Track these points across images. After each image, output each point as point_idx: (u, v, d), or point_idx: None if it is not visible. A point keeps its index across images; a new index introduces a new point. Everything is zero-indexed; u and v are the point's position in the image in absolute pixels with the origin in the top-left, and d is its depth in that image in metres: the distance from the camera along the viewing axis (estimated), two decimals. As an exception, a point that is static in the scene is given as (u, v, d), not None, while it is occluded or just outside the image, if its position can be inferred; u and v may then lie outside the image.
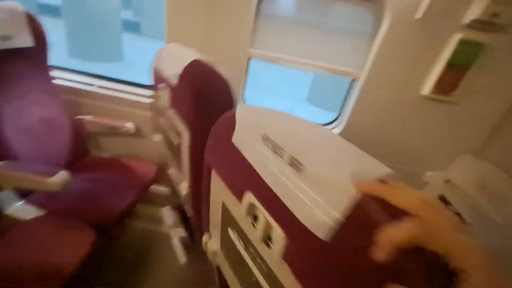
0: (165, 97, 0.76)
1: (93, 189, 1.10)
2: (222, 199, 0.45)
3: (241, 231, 0.41)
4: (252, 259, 0.40)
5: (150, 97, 1.29)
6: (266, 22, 1.14)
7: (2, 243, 0.83)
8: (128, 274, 1.21)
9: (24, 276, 0.74)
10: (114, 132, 1.33)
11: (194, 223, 0.82)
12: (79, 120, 1.29)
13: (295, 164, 0.29)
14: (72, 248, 0.84)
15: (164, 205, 1.51)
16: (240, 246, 0.43)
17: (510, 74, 1.02)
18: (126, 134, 1.32)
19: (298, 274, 0.31)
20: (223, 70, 0.65)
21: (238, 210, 0.40)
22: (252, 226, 0.37)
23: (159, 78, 0.83)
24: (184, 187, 0.77)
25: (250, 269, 0.41)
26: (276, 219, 0.32)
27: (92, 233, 0.91)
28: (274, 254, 0.33)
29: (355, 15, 1.13)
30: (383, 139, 1.22)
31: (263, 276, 0.39)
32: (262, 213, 0.34)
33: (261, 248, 0.37)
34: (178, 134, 0.72)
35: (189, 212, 0.84)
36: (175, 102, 0.72)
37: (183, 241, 1.09)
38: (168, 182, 1.48)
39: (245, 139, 0.36)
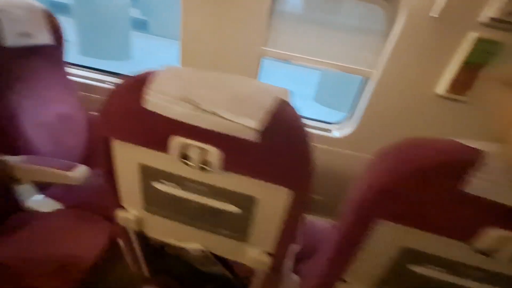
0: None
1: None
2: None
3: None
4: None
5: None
6: (279, 20, 1.14)
7: (24, 235, 0.86)
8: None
9: (46, 267, 0.76)
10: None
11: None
12: (94, 116, 1.31)
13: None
14: (90, 241, 0.86)
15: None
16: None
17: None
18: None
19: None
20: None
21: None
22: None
23: None
24: None
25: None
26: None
27: (109, 226, 0.93)
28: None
29: (368, 12, 1.13)
30: (396, 138, 1.21)
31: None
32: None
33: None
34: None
35: None
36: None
37: None
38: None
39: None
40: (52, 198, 1.01)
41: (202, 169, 0.46)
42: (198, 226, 0.58)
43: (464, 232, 0.37)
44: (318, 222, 1.04)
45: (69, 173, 0.86)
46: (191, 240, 0.61)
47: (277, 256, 0.56)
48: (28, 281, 0.72)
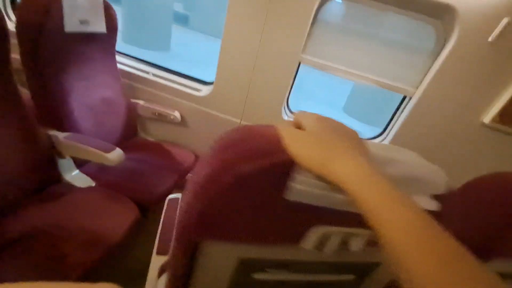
0: None
1: (138, 168, 1.18)
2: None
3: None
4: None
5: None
6: (321, 29, 1.13)
7: (59, 205, 0.93)
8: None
9: (76, 238, 0.82)
10: (161, 118, 1.42)
11: None
12: (133, 104, 1.39)
13: None
14: (117, 219, 0.92)
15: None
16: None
17: None
18: (172, 121, 1.40)
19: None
20: None
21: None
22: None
23: None
24: None
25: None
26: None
27: (135, 208, 0.98)
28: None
29: (416, 29, 1.09)
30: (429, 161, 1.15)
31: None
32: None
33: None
34: None
35: None
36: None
37: None
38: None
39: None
40: (87, 175, 1.08)
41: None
42: None
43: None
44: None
45: (107, 155, 0.92)
46: None
47: None
48: (59, 248, 0.78)
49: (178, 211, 0.42)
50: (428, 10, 0.99)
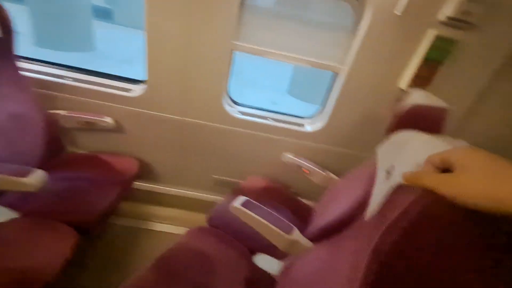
0: None
1: (71, 188, 1.05)
2: None
3: None
4: None
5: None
6: (249, 14, 1.12)
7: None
8: (113, 273, 1.18)
9: (6, 281, 0.70)
10: (91, 127, 1.27)
11: None
12: (52, 115, 1.21)
13: None
14: (53, 250, 0.81)
15: (149, 202, 1.48)
16: None
17: (477, 70, 1.09)
18: (104, 129, 1.26)
19: None
20: None
21: None
22: None
23: None
24: None
25: None
26: None
27: (73, 233, 0.87)
28: None
29: (338, 9, 1.15)
30: (364, 131, 1.26)
31: None
32: None
33: None
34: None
35: None
36: None
37: None
38: (153, 177, 1.45)
39: None
40: (6, 207, 0.92)
41: None
42: None
43: None
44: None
45: (24, 179, 0.78)
46: None
47: None
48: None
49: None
50: (342, -11, 1.05)
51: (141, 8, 1.04)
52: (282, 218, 0.88)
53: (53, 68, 1.28)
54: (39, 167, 0.84)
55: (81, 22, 5.84)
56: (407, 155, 0.48)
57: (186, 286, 0.76)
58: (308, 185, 1.35)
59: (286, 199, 1.28)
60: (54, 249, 0.81)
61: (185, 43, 1.09)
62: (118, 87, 1.26)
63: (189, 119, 1.26)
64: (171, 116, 1.25)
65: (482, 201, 0.28)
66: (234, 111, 1.29)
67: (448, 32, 1.00)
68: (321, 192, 1.19)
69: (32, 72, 1.22)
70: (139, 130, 1.31)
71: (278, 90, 6.21)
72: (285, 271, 0.82)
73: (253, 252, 0.92)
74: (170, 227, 1.45)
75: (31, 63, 1.27)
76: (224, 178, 1.44)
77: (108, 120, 1.24)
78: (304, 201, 1.33)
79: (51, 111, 1.22)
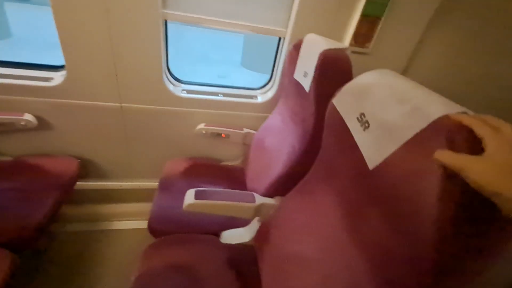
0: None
1: (-4, 202, 0.90)
2: None
3: None
4: None
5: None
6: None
7: None
8: (75, 282, 1.08)
9: None
10: (8, 128, 1.08)
11: None
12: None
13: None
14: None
15: (97, 202, 1.35)
16: None
17: (413, 22, 1.12)
18: (26, 128, 1.08)
19: None
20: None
21: None
22: None
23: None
24: None
25: None
26: None
27: (6, 254, 0.76)
28: None
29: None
30: None
31: None
32: None
33: None
34: None
35: None
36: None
37: None
38: (100, 174, 1.31)
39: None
40: None
41: None
42: None
43: None
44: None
45: None
46: None
47: None
48: None
49: None
50: None
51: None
52: (236, 190, 0.87)
53: None
54: None
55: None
56: (376, 103, 0.49)
57: None
58: (225, 148, 1.35)
59: (215, 170, 1.26)
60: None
61: (103, 14, 0.93)
62: (36, 77, 1.06)
63: (127, 104, 1.12)
64: (104, 103, 1.10)
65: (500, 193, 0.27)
66: (178, 90, 1.19)
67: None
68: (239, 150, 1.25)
69: None
70: (69, 125, 1.14)
71: (232, 63, 6.00)
72: (260, 237, 0.80)
73: (216, 234, 0.89)
74: (129, 223, 1.36)
75: None
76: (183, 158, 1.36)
77: (28, 117, 1.06)
78: (229, 164, 1.34)
79: None
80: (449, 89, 0.41)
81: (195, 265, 0.78)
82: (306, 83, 0.83)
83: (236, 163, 1.38)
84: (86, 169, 1.27)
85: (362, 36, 1.08)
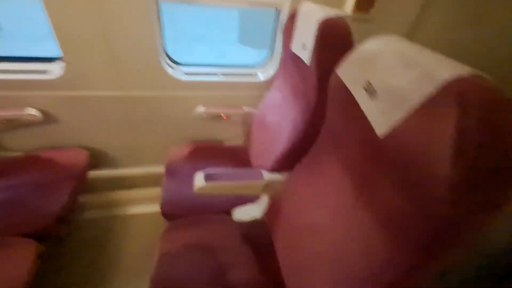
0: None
1: (16, 197, 0.93)
2: None
3: None
4: None
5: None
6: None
7: None
8: (97, 267, 1.15)
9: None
10: (17, 124, 1.09)
11: None
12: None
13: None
14: (14, 265, 0.74)
15: (111, 189, 1.39)
16: None
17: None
18: (32, 123, 1.09)
19: None
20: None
21: None
22: None
23: None
24: None
25: None
26: None
27: (31, 243, 0.80)
28: None
29: None
30: None
31: None
32: None
33: None
34: None
35: None
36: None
37: None
38: (110, 163, 1.34)
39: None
40: None
41: None
42: None
43: None
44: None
45: None
46: None
47: None
48: None
49: None
50: None
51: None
52: (244, 169, 0.89)
53: None
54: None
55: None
56: (383, 70, 0.48)
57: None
58: (227, 130, 1.35)
59: (219, 151, 1.26)
60: (15, 264, 0.75)
61: (94, 0, 0.90)
62: (33, 70, 1.05)
63: (128, 92, 1.12)
64: (105, 92, 1.10)
65: None
66: (178, 73, 1.17)
67: None
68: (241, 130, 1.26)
69: None
70: (74, 116, 1.15)
71: (229, 42, 5.84)
72: (271, 211, 0.83)
73: (227, 213, 0.92)
74: (142, 207, 1.40)
75: None
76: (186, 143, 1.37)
77: (33, 112, 1.07)
78: (233, 145, 1.35)
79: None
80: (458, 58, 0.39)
81: (212, 242, 0.82)
82: (305, 56, 0.81)
83: (239, 143, 1.38)
84: (97, 159, 1.30)
85: (364, 1, 1.03)
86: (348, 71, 0.57)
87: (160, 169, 1.39)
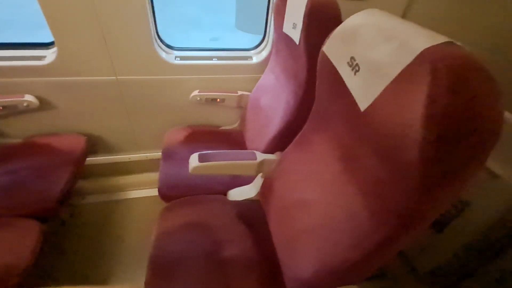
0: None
1: (18, 180, 0.96)
2: None
3: None
4: None
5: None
6: None
7: None
8: (97, 249, 1.19)
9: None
10: (13, 111, 1.11)
11: None
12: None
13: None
14: (19, 243, 0.77)
15: (110, 175, 1.42)
16: None
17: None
18: (29, 109, 1.11)
19: None
20: None
21: None
22: None
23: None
24: None
25: None
26: None
27: (34, 224, 0.83)
28: None
29: None
30: None
31: None
32: None
33: None
34: None
35: None
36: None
37: None
38: (108, 149, 1.36)
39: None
40: None
41: None
42: None
43: None
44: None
45: None
46: None
47: None
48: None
49: None
50: None
51: None
52: (237, 150, 0.91)
53: None
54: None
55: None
56: (364, 44, 0.49)
57: (198, 263, 0.74)
58: (221, 113, 1.36)
59: (214, 135, 1.28)
60: (19, 243, 0.78)
61: None
62: (29, 56, 1.05)
63: (122, 77, 1.12)
64: (100, 77, 1.10)
65: None
66: (171, 57, 1.17)
67: None
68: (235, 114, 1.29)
69: None
70: (70, 102, 1.16)
71: (226, 27, 5.72)
72: (265, 190, 0.85)
73: (223, 194, 0.95)
74: (141, 191, 1.44)
75: None
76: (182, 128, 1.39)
77: (29, 98, 1.08)
78: (227, 128, 1.37)
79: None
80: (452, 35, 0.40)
81: (207, 221, 0.85)
82: (296, 35, 0.81)
83: (233, 126, 1.40)
84: (95, 145, 1.32)
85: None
86: (333, 48, 0.58)
87: (157, 154, 1.42)
